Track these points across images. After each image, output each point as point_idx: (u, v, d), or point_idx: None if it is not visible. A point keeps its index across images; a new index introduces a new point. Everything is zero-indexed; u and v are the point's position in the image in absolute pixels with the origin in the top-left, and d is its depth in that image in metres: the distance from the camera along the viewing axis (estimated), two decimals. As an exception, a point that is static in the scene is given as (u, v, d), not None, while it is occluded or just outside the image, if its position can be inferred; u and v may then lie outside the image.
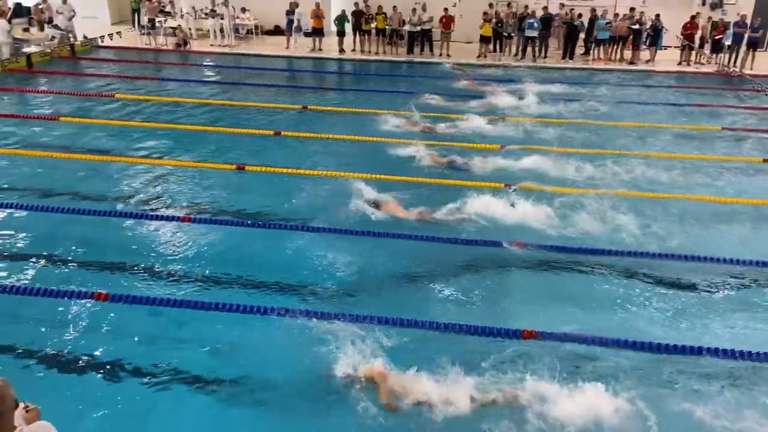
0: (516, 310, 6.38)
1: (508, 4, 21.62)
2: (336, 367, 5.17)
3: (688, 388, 5.23)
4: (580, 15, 20.54)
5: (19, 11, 21.35)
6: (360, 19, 20.87)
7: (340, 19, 20.85)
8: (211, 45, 21.40)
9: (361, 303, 6.35)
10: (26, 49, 17.98)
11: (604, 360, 5.55)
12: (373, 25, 21.02)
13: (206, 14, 22.21)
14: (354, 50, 21.23)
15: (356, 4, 21.03)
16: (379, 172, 9.59)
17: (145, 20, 21.52)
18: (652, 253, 7.43)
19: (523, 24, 20.41)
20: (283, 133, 11.94)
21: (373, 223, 8.05)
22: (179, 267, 6.97)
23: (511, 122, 13.18)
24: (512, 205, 8.56)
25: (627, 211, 8.47)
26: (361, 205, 8.39)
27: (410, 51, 21.23)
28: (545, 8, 21.13)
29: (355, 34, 21.21)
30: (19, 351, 5.44)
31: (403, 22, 21.16)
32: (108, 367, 5.26)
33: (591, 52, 21.22)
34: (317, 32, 21.06)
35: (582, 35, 21.02)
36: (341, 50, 21.02)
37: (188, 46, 20.93)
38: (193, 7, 22.60)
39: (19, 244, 7.40)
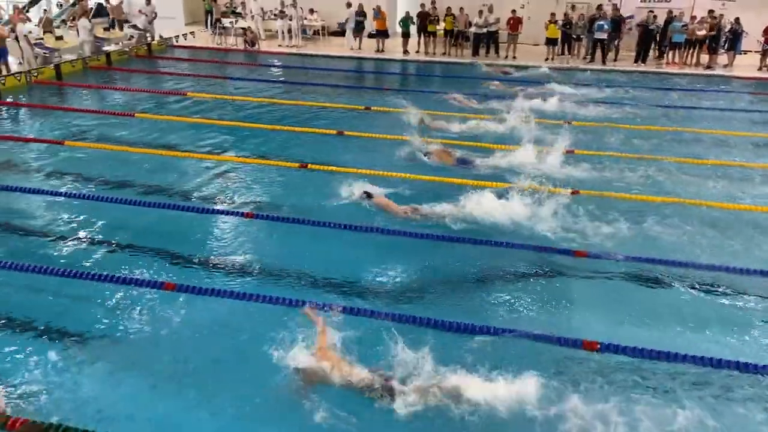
0: (579, 320, 6.22)
1: (573, 7, 21.08)
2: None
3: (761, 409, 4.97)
4: (655, 17, 19.81)
5: (101, 11, 22.45)
6: (425, 20, 20.87)
7: (405, 21, 20.91)
8: (279, 45, 21.87)
9: (422, 304, 6.34)
10: (106, 48, 18.89)
11: (664, 375, 5.34)
12: (440, 27, 20.96)
13: (275, 15, 22.72)
14: (418, 52, 21.23)
15: (422, 5, 21.05)
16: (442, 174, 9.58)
17: (222, 21, 22.27)
18: (726, 267, 7.08)
19: (593, 26, 19.86)
20: (345, 132, 12.07)
21: (435, 225, 8.01)
22: (240, 261, 7.16)
23: (575, 126, 12.87)
24: (568, 211, 8.35)
25: (698, 223, 8.11)
26: (422, 207, 8.37)
27: (475, 53, 21.04)
28: (616, 9, 20.48)
29: (419, 36, 21.23)
30: (91, 336, 5.71)
31: (469, 24, 21.00)
32: (166, 354, 5.45)
33: (665, 55, 20.42)
34: (381, 33, 21.21)
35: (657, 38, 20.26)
36: (405, 51, 21.09)
37: (257, 46, 21.46)
38: (263, 9, 23.16)
39: (92, 233, 7.78)
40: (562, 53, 20.64)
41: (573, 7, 21.05)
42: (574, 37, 20.42)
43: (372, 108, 14.06)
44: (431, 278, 6.94)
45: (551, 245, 7.52)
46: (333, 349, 5.23)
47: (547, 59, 20.44)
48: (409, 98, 14.61)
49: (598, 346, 5.58)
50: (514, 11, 20.55)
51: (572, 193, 9.12)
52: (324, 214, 8.27)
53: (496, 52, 21.08)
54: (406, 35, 21.00)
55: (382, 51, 21.21)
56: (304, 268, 6.99)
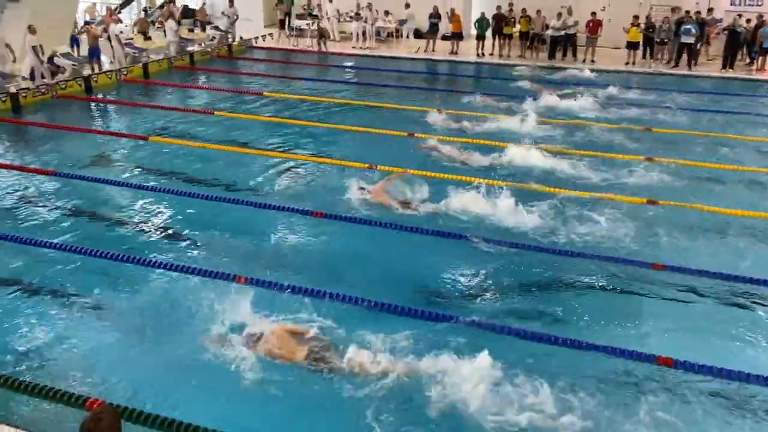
0: (653, 334, 5.98)
1: (650, 9, 20.22)
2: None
3: None
4: (748, 20, 18.74)
5: (187, 13, 23.48)
6: (501, 22, 20.61)
7: (480, 23, 20.72)
8: (353, 47, 22.17)
9: (498, 311, 6.28)
10: (190, 48, 19.72)
11: (740, 395, 5.05)
12: (515, 29, 20.65)
13: (350, 17, 23.04)
14: (492, 54, 20.99)
15: (498, 7, 20.79)
16: (519, 180, 9.46)
17: (295, 23, 22.83)
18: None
19: (679, 29, 18.99)
20: (416, 134, 12.08)
21: (509, 232, 7.90)
22: (308, 258, 7.31)
23: (656, 134, 12.38)
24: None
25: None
26: (496, 213, 8.29)
27: (552, 56, 20.59)
28: (698, 13, 19.49)
29: (494, 38, 20.98)
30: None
31: (546, 26, 20.57)
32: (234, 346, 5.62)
33: (755, 61, 19.27)
34: (456, 36, 21.12)
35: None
36: (479, 54, 20.90)
37: (324, 46, 21.78)
38: (338, 11, 23.54)
39: (169, 226, 8.15)
40: (644, 57, 19.88)
41: (650, 9, 20.23)
42: (657, 40, 19.61)
43: (444, 110, 14.00)
44: (503, 286, 6.85)
45: (627, 256, 7.27)
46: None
47: (627, 63, 19.74)
48: (480, 100, 14.55)
49: (673, 362, 5.35)
50: (593, 13, 19.95)
51: (649, 202, 8.79)
52: (390, 216, 8.31)
53: (574, 55, 20.54)
54: (480, 37, 20.81)
55: (456, 53, 21.11)
56: (364, 269, 7.05)
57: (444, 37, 21.96)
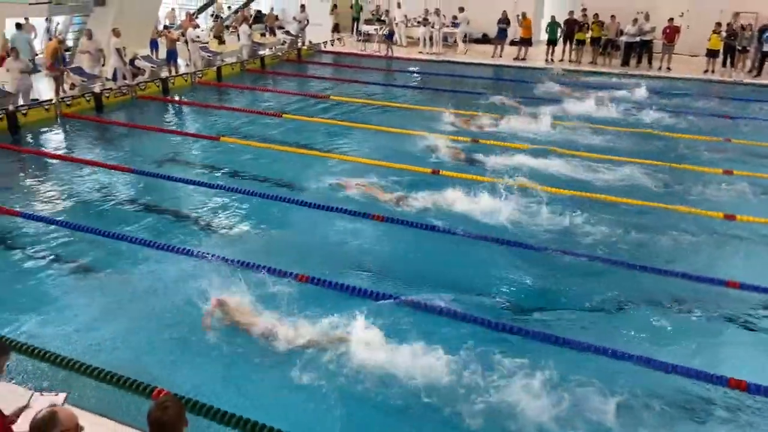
0: (725, 355, 5.70)
1: (736, 15, 19.23)
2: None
3: None
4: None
5: (259, 18, 24.17)
6: (573, 27, 20.15)
7: (552, 27, 20.31)
8: (420, 52, 22.21)
9: (553, 324, 6.16)
10: (261, 52, 20.29)
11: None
12: (588, 35, 20.13)
13: (418, 23, 23.10)
14: (562, 60, 20.54)
15: (570, 12, 20.33)
16: (587, 189, 9.25)
17: (363, 27, 23.13)
18: None
19: (762, 36, 18.01)
20: (480, 140, 11.98)
21: (579, 244, 7.74)
22: (366, 260, 7.37)
23: (735, 145, 11.81)
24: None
25: None
26: (562, 222, 8.14)
27: (625, 63, 19.96)
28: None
29: (565, 44, 20.52)
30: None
31: (621, 32, 19.97)
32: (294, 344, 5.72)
33: None
34: (524, 41, 20.80)
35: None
36: (550, 60, 20.49)
37: (391, 51, 21.91)
38: (406, 16, 23.65)
39: (234, 223, 8.40)
40: (724, 66, 18.97)
41: (736, 15, 19.25)
42: (739, 48, 18.67)
43: (507, 117, 13.83)
44: (571, 298, 6.70)
45: (701, 273, 6.96)
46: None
47: (706, 71, 18.90)
48: (548, 108, 14.28)
49: (746, 386, 5.08)
50: (671, 19, 19.21)
51: (726, 217, 8.39)
52: (453, 222, 8.28)
53: (649, 62, 19.83)
54: (551, 43, 20.41)
55: (524, 59, 20.79)
56: (421, 273, 7.05)
57: (513, 43, 21.68)
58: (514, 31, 21.68)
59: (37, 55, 16.94)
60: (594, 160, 10.82)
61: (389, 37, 22.01)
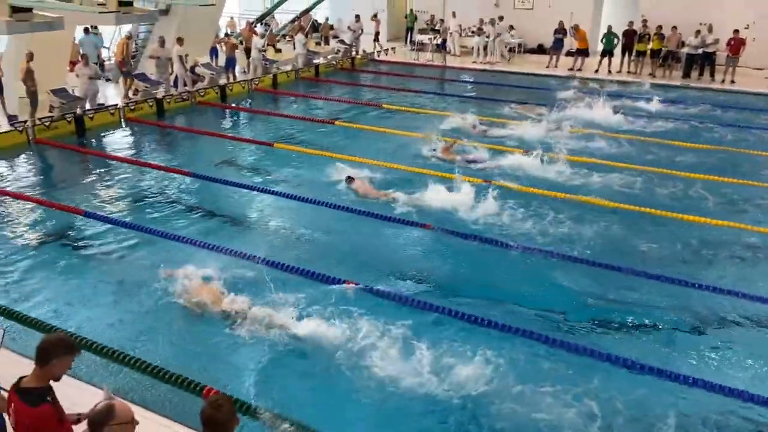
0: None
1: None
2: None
3: None
4: None
5: (315, 27, 24.60)
6: (632, 38, 19.68)
7: (609, 38, 19.86)
8: (473, 62, 22.13)
9: (612, 344, 6.02)
10: (316, 61, 20.63)
11: None
12: (648, 46, 19.60)
13: (472, 32, 23.03)
14: (620, 72, 20.07)
15: (630, 23, 19.86)
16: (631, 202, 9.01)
17: (417, 37, 23.26)
18: None
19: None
20: (529, 151, 11.81)
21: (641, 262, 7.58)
22: (412, 269, 7.39)
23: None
24: None
25: None
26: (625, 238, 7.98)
27: (686, 75, 19.35)
28: None
29: (623, 55, 20.03)
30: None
31: (682, 44, 19.38)
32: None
33: None
34: (581, 52, 20.43)
35: None
36: (597, 70, 20.02)
37: (444, 60, 21.87)
38: (460, 26, 23.61)
39: (284, 228, 8.57)
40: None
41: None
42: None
43: (568, 129, 13.62)
44: (627, 317, 6.56)
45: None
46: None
47: (772, 85, 18.15)
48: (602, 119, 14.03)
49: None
50: (736, 31, 18.51)
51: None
52: (505, 235, 8.21)
53: (711, 75, 19.17)
54: (606, 53, 19.94)
55: (580, 70, 20.41)
56: (479, 286, 7.01)
57: (569, 53, 21.35)
58: (571, 42, 21.36)
59: (104, 61, 17.78)
60: (652, 174, 10.57)
61: (442, 47, 22.05)
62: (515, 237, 8.12)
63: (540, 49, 23.37)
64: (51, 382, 3.28)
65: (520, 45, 23.62)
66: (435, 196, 9.21)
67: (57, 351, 3.22)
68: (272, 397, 5.12)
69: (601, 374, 5.39)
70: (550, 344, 5.84)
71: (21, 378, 3.28)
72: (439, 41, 22.39)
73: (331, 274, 6.98)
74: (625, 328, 6.31)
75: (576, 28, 20.39)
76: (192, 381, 5.17)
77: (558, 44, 21.05)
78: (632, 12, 21.33)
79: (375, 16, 23.82)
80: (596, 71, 20.02)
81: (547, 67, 21.02)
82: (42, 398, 3.19)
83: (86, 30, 16.84)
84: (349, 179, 9.82)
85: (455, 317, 6.26)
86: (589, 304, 6.73)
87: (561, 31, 20.91)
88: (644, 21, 19.90)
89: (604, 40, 20.04)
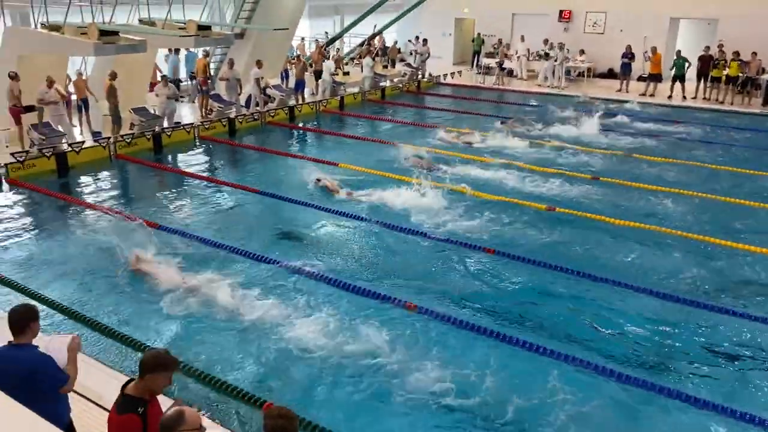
0: None
1: None
2: None
3: None
4: None
5: (384, 51, 25.02)
6: (707, 64, 18.99)
7: (679, 63, 19.20)
8: (538, 85, 21.91)
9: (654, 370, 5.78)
10: (382, 83, 20.96)
11: None
12: (725, 72, 18.86)
13: (540, 56, 22.85)
14: (695, 98, 19.37)
15: (706, 48, 19.20)
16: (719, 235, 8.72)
17: (483, 61, 23.29)
18: None
19: None
20: (601, 178, 11.58)
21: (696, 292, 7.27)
22: (475, 293, 7.34)
23: None
24: None
25: None
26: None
27: (767, 103, 18.48)
28: None
29: (698, 81, 19.34)
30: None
31: (763, 70, 18.55)
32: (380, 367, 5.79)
33: None
34: (653, 77, 19.88)
35: None
36: (669, 96, 19.38)
37: (501, 82, 21.73)
38: (528, 50, 23.46)
39: (349, 248, 8.70)
40: None
41: None
42: None
43: (633, 155, 13.27)
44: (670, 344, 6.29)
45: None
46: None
47: None
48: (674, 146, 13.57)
49: None
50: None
51: None
52: (566, 260, 8.05)
53: (795, 103, 18.25)
54: (677, 78, 19.27)
55: (652, 95, 19.84)
56: (538, 313, 6.89)
57: (640, 78, 20.83)
58: (641, 66, 20.84)
59: (181, 81, 18.70)
60: (723, 204, 10.15)
61: (500, 68, 22.09)
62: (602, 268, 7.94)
63: (610, 74, 22.92)
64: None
65: (589, 69, 23.23)
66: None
67: (150, 366, 3.32)
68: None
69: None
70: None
71: (129, 382, 3.42)
72: (497, 62, 22.48)
73: (390, 293, 7.04)
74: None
75: (653, 51, 19.83)
76: (254, 395, 5.31)
77: (626, 68, 20.58)
78: (709, 37, 20.64)
79: (425, 41, 23.66)
80: (669, 97, 19.41)
81: (618, 91, 20.56)
82: (131, 408, 3.28)
83: (176, 51, 17.89)
84: (318, 180, 11.06)
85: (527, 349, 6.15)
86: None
87: (629, 54, 20.44)
88: (720, 46, 19.20)
89: (674, 65, 19.40)
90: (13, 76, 12.23)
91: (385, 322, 6.45)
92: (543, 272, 7.85)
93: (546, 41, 22.52)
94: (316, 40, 23.59)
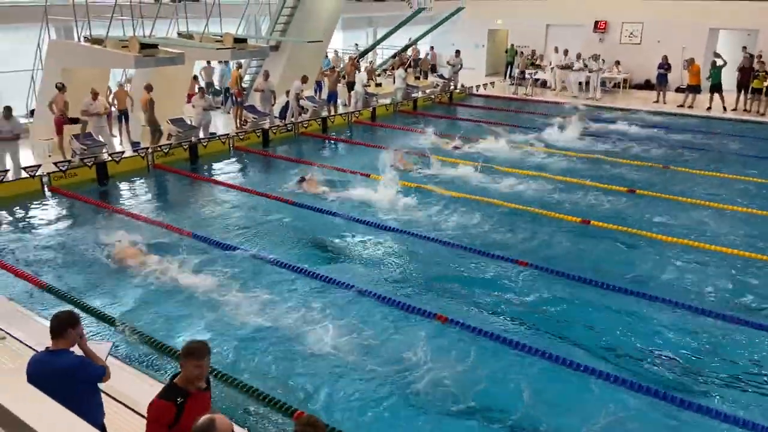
0: None
1: None
2: None
3: None
4: None
5: (416, 62, 25.11)
6: (747, 76, 18.52)
7: (715, 73, 18.78)
8: (574, 97, 21.68)
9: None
10: (414, 95, 21.02)
11: None
12: (765, 83, 18.37)
13: (566, 67, 22.58)
14: (735, 110, 18.90)
15: (745, 58, 18.76)
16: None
17: (516, 72, 23.18)
18: None
19: None
20: (638, 191, 11.37)
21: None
22: (508, 306, 7.26)
23: None
24: None
25: None
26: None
27: (810, 114, 17.95)
28: None
29: (739, 92, 18.88)
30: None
31: (804, 81, 18.03)
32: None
33: None
34: (692, 89, 19.47)
35: None
36: (708, 107, 18.94)
37: (531, 93, 21.63)
38: (561, 61, 23.23)
39: (377, 257, 8.71)
40: None
41: None
42: None
43: (670, 167, 13.01)
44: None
45: None
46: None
47: None
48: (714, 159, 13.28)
49: None
50: None
51: None
52: (601, 274, 7.92)
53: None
54: (714, 88, 18.83)
55: (691, 107, 19.43)
56: (563, 326, 6.78)
57: (678, 89, 20.44)
58: (680, 77, 20.45)
59: (219, 93, 19.08)
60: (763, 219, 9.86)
61: (521, 76, 22.06)
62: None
63: (647, 85, 22.58)
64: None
65: (625, 80, 22.92)
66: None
67: (182, 353, 3.56)
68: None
69: None
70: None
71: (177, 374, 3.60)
72: (540, 76, 22.24)
73: (416, 304, 7.03)
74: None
75: (691, 62, 19.45)
76: (285, 403, 5.34)
77: (662, 79, 20.23)
78: (750, 48, 20.15)
79: (458, 53, 23.57)
80: (708, 108, 18.99)
81: (655, 102, 20.22)
82: (171, 396, 3.46)
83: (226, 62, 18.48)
84: (301, 179, 11.72)
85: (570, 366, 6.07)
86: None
87: (665, 65, 20.09)
88: (759, 57, 18.74)
89: (710, 76, 18.96)
90: (60, 88, 12.63)
91: (420, 332, 6.43)
92: (577, 286, 7.73)
93: (572, 53, 22.21)
94: (349, 56, 23.79)
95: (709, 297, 7.46)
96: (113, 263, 8.28)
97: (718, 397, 5.65)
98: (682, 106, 19.53)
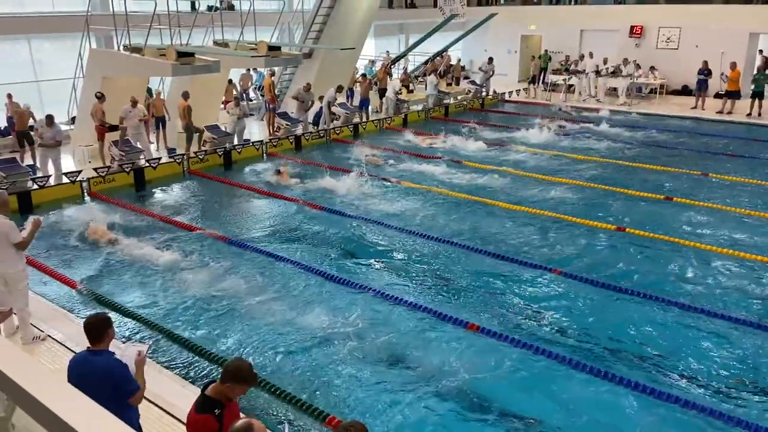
0: None
1: None
2: None
3: None
4: None
5: (448, 70, 25.07)
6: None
7: (758, 80, 18.29)
8: (598, 101, 21.39)
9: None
10: (446, 101, 20.98)
11: None
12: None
13: (610, 73, 22.28)
14: (777, 115, 18.39)
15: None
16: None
17: (549, 78, 22.94)
18: None
19: None
20: (675, 199, 11.15)
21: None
22: (542, 315, 7.18)
23: None
24: None
25: None
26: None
27: None
28: None
29: (778, 98, 18.39)
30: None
31: None
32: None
33: None
34: (731, 94, 19.01)
35: None
36: (749, 113, 18.44)
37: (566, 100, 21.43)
38: (597, 66, 22.92)
39: (407, 262, 8.69)
40: None
41: None
42: None
43: (710, 174, 12.71)
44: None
45: None
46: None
47: None
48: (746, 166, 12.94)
49: None
50: None
51: None
52: (639, 285, 7.78)
53: None
54: (756, 95, 18.34)
55: (730, 113, 18.97)
56: (598, 336, 6.68)
57: (717, 95, 19.98)
58: (719, 83, 19.99)
59: (251, 100, 19.38)
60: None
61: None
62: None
63: (684, 91, 22.12)
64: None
65: (661, 86, 22.50)
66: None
67: (233, 376, 3.52)
68: None
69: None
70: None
71: (210, 383, 3.63)
72: (573, 82, 21.96)
73: (449, 313, 6.99)
74: None
75: (733, 67, 18.99)
76: (317, 408, 5.38)
77: (702, 85, 19.79)
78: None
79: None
80: (748, 114, 18.51)
81: (693, 108, 19.81)
82: (209, 409, 3.49)
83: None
84: (277, 172, 12.64)
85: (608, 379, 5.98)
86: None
87: (705, 71, 19.66)
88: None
89: (754, 82, 18.49)
90: (99, 97, 12.99)
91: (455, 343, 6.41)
92: (613, 295, 7.62)
93: (606, 59, 21.90)
94: (381, 63, 23.90)
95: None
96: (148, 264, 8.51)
97: (755, 411, 5.49)
98: (720, 112, 19.08)
